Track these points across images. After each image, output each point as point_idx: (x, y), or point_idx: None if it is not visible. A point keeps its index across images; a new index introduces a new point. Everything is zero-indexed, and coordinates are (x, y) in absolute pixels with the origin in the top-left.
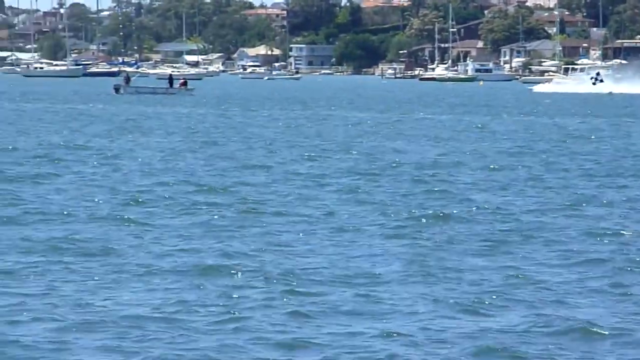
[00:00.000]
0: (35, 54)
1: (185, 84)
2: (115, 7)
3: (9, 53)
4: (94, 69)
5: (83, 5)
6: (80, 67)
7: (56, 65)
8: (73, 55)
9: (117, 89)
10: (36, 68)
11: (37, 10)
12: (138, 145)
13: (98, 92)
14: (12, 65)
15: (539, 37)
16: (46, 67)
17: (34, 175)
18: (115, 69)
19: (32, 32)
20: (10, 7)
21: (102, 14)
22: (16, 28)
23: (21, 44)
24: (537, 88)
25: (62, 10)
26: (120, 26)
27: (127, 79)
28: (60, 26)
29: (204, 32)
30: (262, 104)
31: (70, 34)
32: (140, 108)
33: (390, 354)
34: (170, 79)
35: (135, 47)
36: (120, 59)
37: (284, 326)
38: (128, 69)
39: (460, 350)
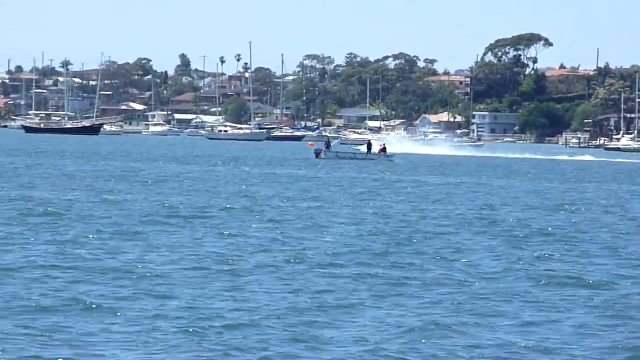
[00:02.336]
0: (220, 116)
1: (384, 149)
2: (299, 71)
3: (194, 116)
4: (277, 133)
5: (268, 69)
6: (264, 130)
7: (240, 128)
8: (257, 118)
9: (317, 154)
10: (220, 131)
11: (223, 74)
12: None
13: (297, 157)
14: (197, 128)
15: None
16: (230, 130)
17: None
18: (298, 133)
19: (217, 95)
20: (196, 70)
21: (286, 78)
22: (201, 91)
23: (206, 107)
24: None
25: (247, 74)
26: (304, 91)
27: (328, 144)
28: (244, 90)
29: (386, 98)
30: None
31: (254, 98)
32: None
33: None
34: (369, 144)
35: (318, 112)
36: (302, 123)
37: None
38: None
39: None
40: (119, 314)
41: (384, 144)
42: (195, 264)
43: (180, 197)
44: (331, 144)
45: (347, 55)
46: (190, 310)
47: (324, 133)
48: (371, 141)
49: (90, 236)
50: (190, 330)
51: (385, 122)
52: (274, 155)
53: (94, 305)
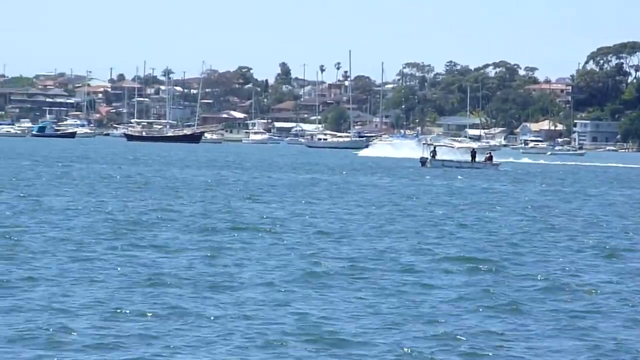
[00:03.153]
0: (319, 125)
1: (490, 158)
2: (399, 80)
3: (293, 124)
4: (376, 141)
5: (367, 77)
6: (363, 139)
7: (339, 136)
8: (356, 126)
9: (423, 162)
10: (320, 139)
11: (323, 82)
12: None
13: (401, 165)
14: (296, 136)
15: None
16: (329, 139)
17: None
18: (396, 141)
19: (317, 104)
20: (296, 79)
21: (386, 86)
22: (301, 99)
23: (306, 115)
24: None
25: (346, 83)
26: (403, 99)
27: (434, 153)
28: (344, 98)
29: (487, 106)
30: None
31: (354, 106)
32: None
33: None
34: (473, 152)
35: (417, 120)
36: (402, 132)
37: None
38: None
39: None
40: None
41: (490, 153)
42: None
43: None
44: (437, 153)
45: (447, 64)
46: None
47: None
48: (475, 149)
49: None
50: None
51: (485, 131)
52: (379, 164)
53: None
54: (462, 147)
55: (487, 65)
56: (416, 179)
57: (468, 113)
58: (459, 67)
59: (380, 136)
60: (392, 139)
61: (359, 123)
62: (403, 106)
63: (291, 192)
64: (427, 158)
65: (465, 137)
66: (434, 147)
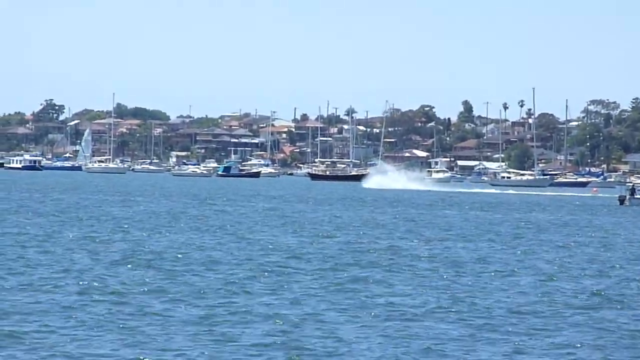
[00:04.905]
0: (503, 163)
1: None
2: (584, 117)
3: (476, 162)
4: (560, 179)
5: (552, 115)
6: (547, 177)
7: (523, 174)
8: (540, 164)
9: (621, 201)
10: (503, 177)
11: (506, 120)
12: None
13: (601, 204)
14: (479, 175)
15: None
16: (513, 177)
17: None
18: (582, 180)
19: (500, 142)
20: (479, 117)
21: (570, 124)
22: (484, 137)
23: (489, 153)
24: None
25: (530, 120)
26: (588, 136)
27: (633, 191)
28: (528, 136)
29: None
30: None
31: (537, 144)
32: None
33: None
34: (633, 189)
35: (603, 158)
36: (587, 169)
37: None
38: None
39: None
40: None
41: None
42: None
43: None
44: (636, 191)
45: (633, 100)
46: None
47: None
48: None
49: None
50: None
51: None
52: (574, 202)
53: None
54: None
55: None
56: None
57: None
58: None
59: (565, 174)
60: (577, 176)
61: (542, 161)
62: (588, 143)
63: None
64: (625, 196)
65: None
66: (633, 186)
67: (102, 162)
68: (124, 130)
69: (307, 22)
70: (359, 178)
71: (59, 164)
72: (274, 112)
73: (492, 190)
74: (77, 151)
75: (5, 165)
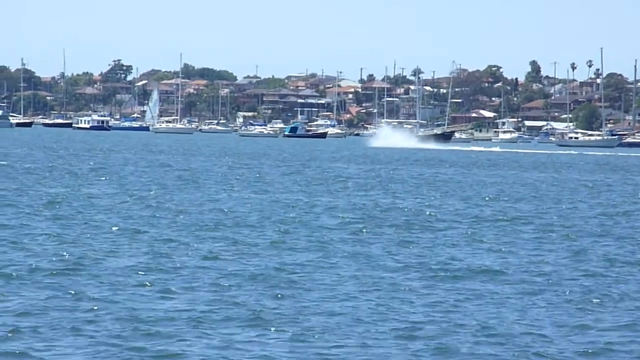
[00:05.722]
0: (570, 123)
1: None
2: None
3: (544, 123)
4: (629, 139)
5: (620, 75)
6: (616, 137)
7: (590, 135)
8: (608, 125)
9: None
10: (570, 138)
11: (574, 80)
12: None
13: None
14: (547, 135)
15: None
16: (580, 137)
17: None
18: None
19: (568, 102)
20: (547, 77)
21: (639, 84)
22: (552, 98)
23: (556, 114)
24: None
25: (598, 80)
26: None
27: None
28: (596, 96)
29: None
30: None
31: (606, 104)
32: None
33: None
34: None
35: None
36: None
37: None
38: None
39: None
40: None
41: None
42: None
43: None
44: None
45: None
46: None
47: None
48: None
49: None
50: None
51: None
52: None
53: None
54: None
55: None
56: None
57: None
58: None
59: (634, 134)
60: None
61: (611, 121)
62: None
63: None
64: None
65: None
66: None
67: (169, 122)
68: (191, 90)
69: None
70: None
71: (126, 124)
72: (340, 72)
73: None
74: (144, 111)
75: (73, 125)
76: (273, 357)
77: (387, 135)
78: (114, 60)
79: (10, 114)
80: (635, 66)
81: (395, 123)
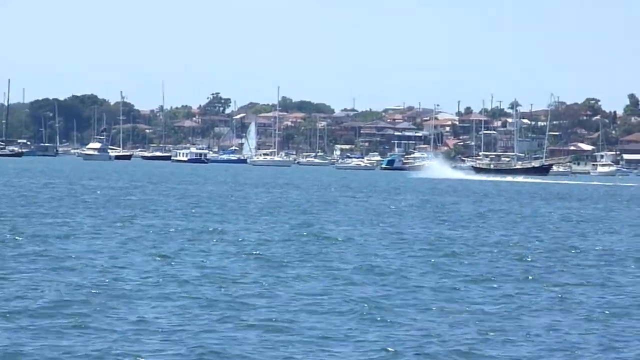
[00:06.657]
0: None
1: None
2: None
3: None
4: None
5: None
6: None
7: None
8: None
9: None
10: None
11: None
12: None
13: None
14: None
15: None
16: None
17: None
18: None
19: None
20: None
21: None
22: None
23: None
24: None
25: None
26: None
27: None
28: None
29: None
30: None
31: None
32: None
33: None
34: None
35: None
36: None
37: None
38: None
39: None
40: None
41: None
42: None
43: None
44: None
45: None
46: None
47: None
48: None
49: None
50: None
51: None
52: None
53: None
54: None
55: None
56: None
57: None
58: None
59: None
60: None
61: None
62: None
63: None
64: None
65: None
66: None
67: (267, 155)
68: (289, 123)
69: (473, 17)
70: (523, 172)
71: (224, 157)
72: (437, 105)
73: None
74: (242, 144)
75: (172, 158)
76: None
77: (437, 168)
78: (213, 94)
79: (109, 146)
80: None
81: (493, 156)
